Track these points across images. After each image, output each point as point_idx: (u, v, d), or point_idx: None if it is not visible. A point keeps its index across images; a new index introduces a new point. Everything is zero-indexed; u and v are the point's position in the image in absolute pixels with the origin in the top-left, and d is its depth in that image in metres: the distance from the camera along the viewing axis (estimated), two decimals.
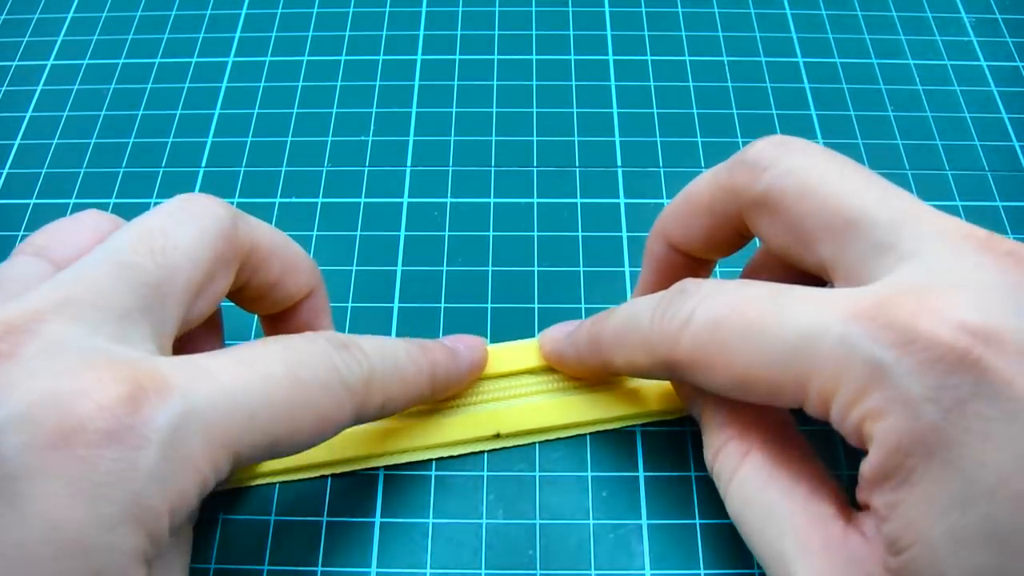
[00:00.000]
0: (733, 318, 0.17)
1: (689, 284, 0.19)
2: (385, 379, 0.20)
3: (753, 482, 0.19)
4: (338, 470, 0.24)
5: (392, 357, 0.20)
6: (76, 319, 0.16)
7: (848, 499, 0.18)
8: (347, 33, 0.35)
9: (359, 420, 0.19)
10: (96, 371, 0.15)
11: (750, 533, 0.18)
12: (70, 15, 0.36)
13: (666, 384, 0.24)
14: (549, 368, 0.25)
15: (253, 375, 0.17)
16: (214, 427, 0.16)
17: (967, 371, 0.14)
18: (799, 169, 0.19)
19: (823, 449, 0.23)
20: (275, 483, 0.23)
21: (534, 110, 0.32)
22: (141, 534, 0.15)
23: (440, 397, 0.23)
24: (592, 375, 0.24)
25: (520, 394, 0.24)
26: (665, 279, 0.22)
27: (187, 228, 0.18)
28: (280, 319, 0.22)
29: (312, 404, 0.18)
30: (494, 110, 0.32)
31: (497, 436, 0.24)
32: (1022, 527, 0.14)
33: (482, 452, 0.24)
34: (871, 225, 0.17)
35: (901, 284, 0.16)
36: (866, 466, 0.16)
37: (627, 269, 0.28)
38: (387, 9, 0.35)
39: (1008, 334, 0.15)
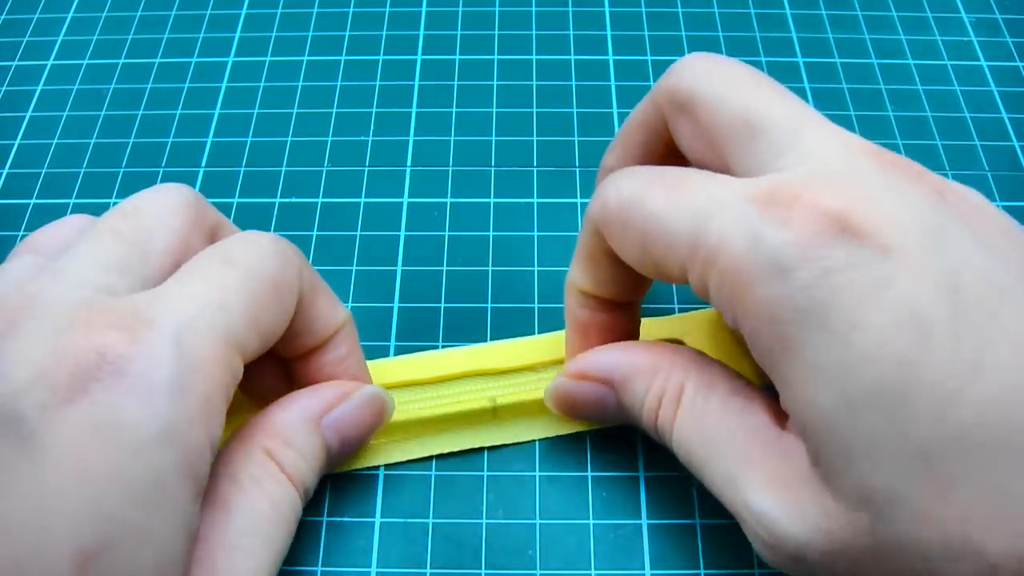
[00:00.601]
0: (649, 185, 0.19)
1: (620, 170, 0.20)
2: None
3: (690, 421, 0.19)
4: (338, 470, 0.24)
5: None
6: (63, 279, 0.17)
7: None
8: (347, 33, 0.35)
9: (303, 293, 0.20)
10: (90, 322, 0.16)
11: (701, 468, 0.19)
12: (70, 15, 0.36)
13: None
14: (549, 364, 0.25)
15: (210, 278, 0.18)
16: (206, 330, 0.17)
17: (843, 244, 0.15)
18: (719, 77, 0.20)
19: None
20: None
21: (534, 110, 0.32)
22: (177, 450, 0.16)
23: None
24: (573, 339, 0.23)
25: (519, 383, 0.24)
26: (587, 333, 0.23)
27: (154, 198, 0.20)
28: (308, 360, 0.22)
29: (261, 274, 0.19)
30: (494, 110, 0.32)
31: (494, 412, 0.24)
32: (910, 386, 0.15)
33: (482, 450, 0.24)
34: (775, 128, 0.18)
35: (793, 175, 0.17)
36: (751, 349, 0.17)
37: None
38: (387, 9, 0.35)
39: (881, 215, 0.16)
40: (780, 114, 0.18)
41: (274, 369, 0.22)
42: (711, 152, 0.19)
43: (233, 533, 0.18)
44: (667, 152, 0.22)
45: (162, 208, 0.20)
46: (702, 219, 0.17)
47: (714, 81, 0.19)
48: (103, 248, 0.18)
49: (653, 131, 0.21)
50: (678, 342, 0.25)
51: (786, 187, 0.17)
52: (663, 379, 0.20)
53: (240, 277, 0.18)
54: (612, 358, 0.22)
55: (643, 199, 0.18)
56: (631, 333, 0.23)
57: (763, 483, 0.17)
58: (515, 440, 0.24)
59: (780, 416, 0.18)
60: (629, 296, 0.22)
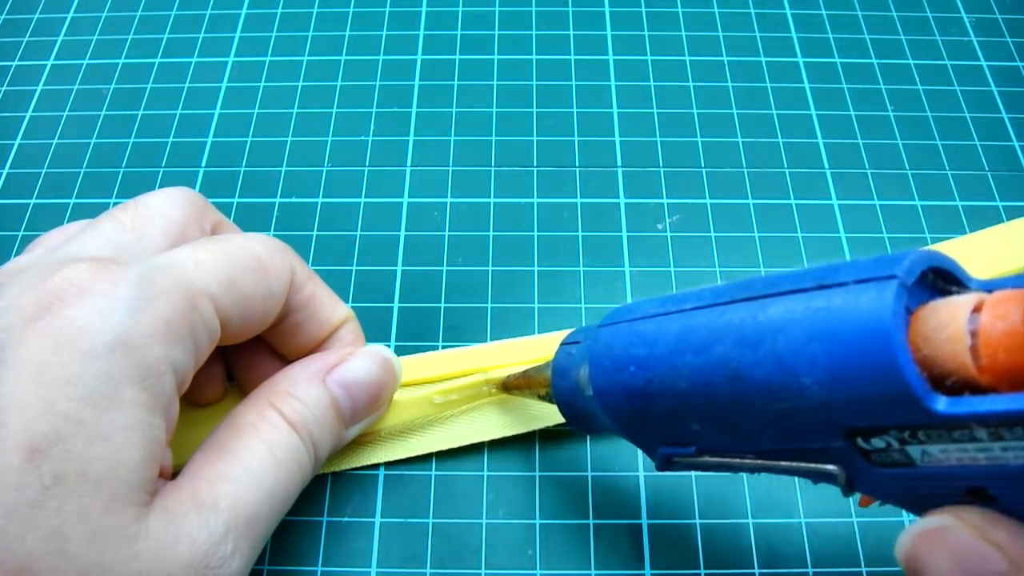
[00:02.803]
0: None
1: None
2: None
3: None
4: (337, 469, 0.24)
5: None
6: (62, 255, 0.18)
7: None
8: (347, 33, 0.35)
9: (296, 285, 0.21)
10: (69, 266, 0.17)
11: None
12: (70, 15, 0.36)
13: None
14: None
15: (188, 246, 0.19)
16: (175, 271, 0.18)
17: None
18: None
19: None
20: None
21: (534, 110, 0.32)
22: (130, 360, 0.16)
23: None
24: None
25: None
26: None
27: (157, 194, 0.21)
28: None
29: (243, 249, 0.20)
30: (494, 110, 0.32)
31: (488, 391, 0.24)
32: None
33: (482, 444, 0.24)
34: None
35: None
36: None
37: (627, 269, 0.28)
38: (387, 9, 0.35)
39: None
40: None
41: (220, 379, 0.23)
42: None
43: (222, 467, 0.18)
44: None
45: (162, 201, 0.21)
46: None
47: None
48: (101, 232, 0.19)
49: None
50: None
51: None
52: None
53: (223, 249, 0.19)
54: None
55: None
56: None
57: None
58: (515, 431, 0.24)
59: None
60: None
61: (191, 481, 0.18)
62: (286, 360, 0.22)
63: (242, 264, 0.19)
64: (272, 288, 0.20)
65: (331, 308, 0.22)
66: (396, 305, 0.27)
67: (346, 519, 0.23)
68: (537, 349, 0.25)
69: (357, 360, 0.22)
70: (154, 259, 0.18)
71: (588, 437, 0.24)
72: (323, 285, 0.22)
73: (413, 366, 0.25)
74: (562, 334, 0.24)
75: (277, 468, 0.19)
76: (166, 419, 0.17)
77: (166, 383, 0.17)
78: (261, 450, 0.19)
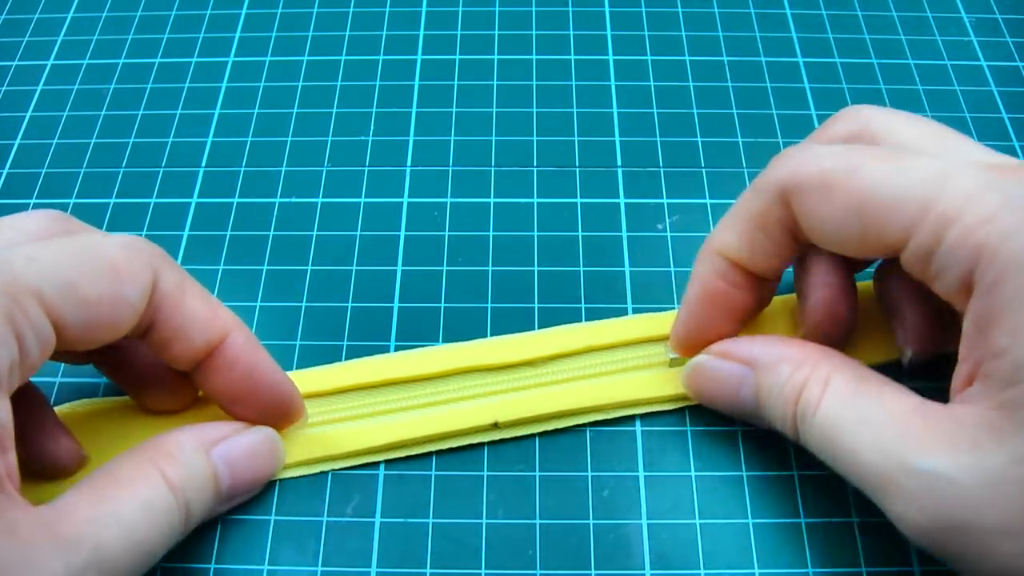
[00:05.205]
0: (864, 150, 0.20)
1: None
2: (185, 273, 0.22)
3: (839, 401, 0.20)
4: (338, 465, 0.24)
5: None
6: None
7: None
8: (347, 33, 0.35)
9: (161, 297, 0.20)
10: None
11: (842, 451, 0.19)
12: (70, 15, 0.36)
13: (665, 371, 0.25)
14: (548, 360, 0.25)
15: (29, 243, 0.19)
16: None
17: None
18: (835, 154, 0.20)
19: None
20: (275, 481, 0.23)
21: (534, 110, 0.32)
22: None
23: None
24: (710, 314, 0.23)
25: (518, 387, 0.25)
26: (715, 305, 0.23)
27: (19, 214, 0.21)
28: (202, 373, 0.22)
29: (93, 248, 0.19)
30: (494, 110, 0.32)
31: (496, 426, 0.24)
32: None
33: (482, 444, 0.24)
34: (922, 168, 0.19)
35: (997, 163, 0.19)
36: (982, 299, 0.17)
37: (627, 269, 0.28)
38: (387, 9, 0.35)
39: None
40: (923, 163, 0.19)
41: (181, 387, 0.23)
42: (855, 220, 0.19)
43: (91, 511, 0.18)
44: (784, 233, 0.21)
45: (20, 217, 0.20)
46: (936, 181, 0.18)
47: (835, 158, 0.20)
48: None
49: (768, 219, 0.21)
50: None
51: (1013, 162, 0.18)
52: (810, 367, 0.20)
53: (67, 248, 0.19)
54: (761, 345, 0.22)
55: (859, 167, 0.19)
56: (751, 318, 0.24)
57: (929, 445, 0.17)
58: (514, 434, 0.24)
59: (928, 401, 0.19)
60: (778, 273, 0.22)
61: (55, 515, 0.18)
62: (175, 371, 0.22)
63: (88, 265, 0.19)
64: (125, 294, 0.19)
65: (208, 317, 0.21)
66: (396, 305, 0.27)
67: (346, 519, 0.23)
68: (536, 344, 0.25)
69: (244, 438, 0.22)
70: None
71: (588, 437, 0.24)
72: (199, 290, 0.21)
73: (413, 362, 0.25)
74: (556, 329, 0.25)
75: (149, 525, 0.19)
76: None
77: None
78: (134, 504, 0.19)
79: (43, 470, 0.22)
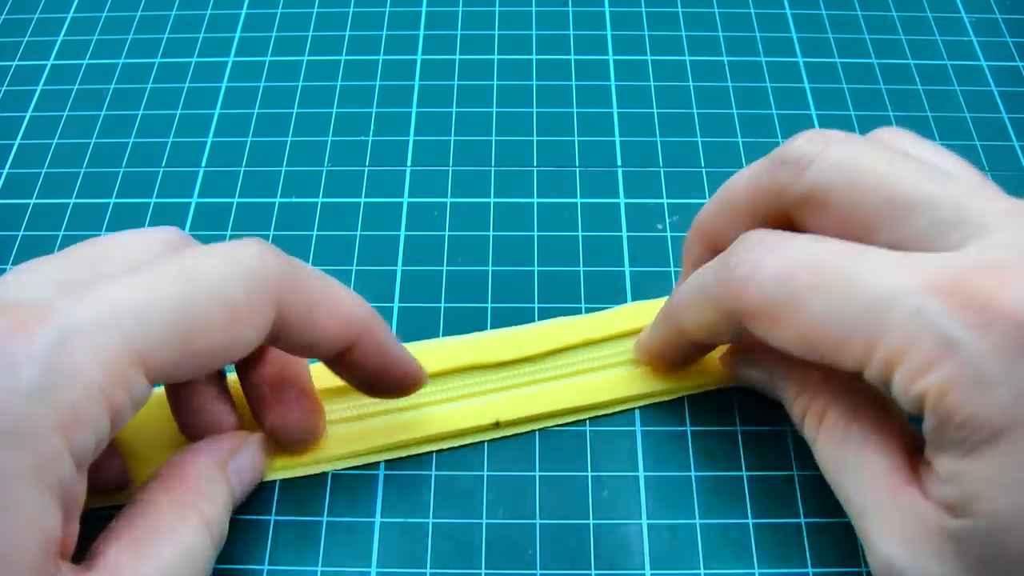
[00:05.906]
0: (805, 272, 0.17)
1: (752, 235, 0.19)
2: (313, 276, 0.19)
3: (829, 444, 0.19)
4: (339, 466, 0.24)
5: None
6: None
7: (919, 446, 0.18)
8: (347, 33, 0.35)
9: (287, 322, 0.19)
10: None
11: (835, 489, 0.19)
12: (70, 15, 0.36)
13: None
14: (547, 355, 0.25)
15: (138, 282, 0.17)
16: (99, 337, 0.16)
17: None
18: (845, 161, 0.19)
19: None
20: (275, 481, 0.23)
21: (534, 110, 0.32)
22: (27, 453, 0.15)
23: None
24: (674, 354, 0.24)
25: (519, 383, 0.25)
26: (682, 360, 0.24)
27: (128, 231, 0.20)
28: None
29: (211, 291, 0.17)
30: (494, 110, 0.32)
31: (496, 425, 0.24)
32: None
33: (482, 442, 0.24)
34: (931, 205, 0.17)
35: (978, 259, 0.16)
36: (928, 433, 0.17)
37: (627, 269, 0.28)
38: (387, 9, 0.35)
39: None
40: (931, 188, 0.18)
41: (214, 387, 0.22)
42: (854, 238, 0.18)
43: (138, 565, 0.18)
44: (780, 220, 0.20)
45: (130, 238, 0.19)
46: (879, 314, 0.16)
47: (840, 164, 0.19)
48: (52, 266, 0.18)
49: (764, 215, 0.21)
50: None
51: (973, 278, 0.16)
52: (807, 399, 0.20)
53: (182, 293, 0.17)
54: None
55: (801, 296, 0.17)
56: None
57: (888, 530, 0.17)
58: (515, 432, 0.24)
59: (912, 460, 0.18)
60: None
61: None
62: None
63: (203, 318, 0.17)
64: (240, 338, 0.18)
65: (333, 338, 0.20)
66: (396, 305, 0.27)
67: (346, 519, 0.23)
68: (535, 340, 0.25)
69: (249, 449, 0.22)
70: (84, 308, 0.16)
71: (588, 437, 0.24)
72: (329, 308, 0.20)
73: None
74: (555, 322, 0.25)
75: (189, 571, 0.19)
76: (64, 507, 0.16)
77: (65, 470, 0.15)
78: (175, 553, 0.18)
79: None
